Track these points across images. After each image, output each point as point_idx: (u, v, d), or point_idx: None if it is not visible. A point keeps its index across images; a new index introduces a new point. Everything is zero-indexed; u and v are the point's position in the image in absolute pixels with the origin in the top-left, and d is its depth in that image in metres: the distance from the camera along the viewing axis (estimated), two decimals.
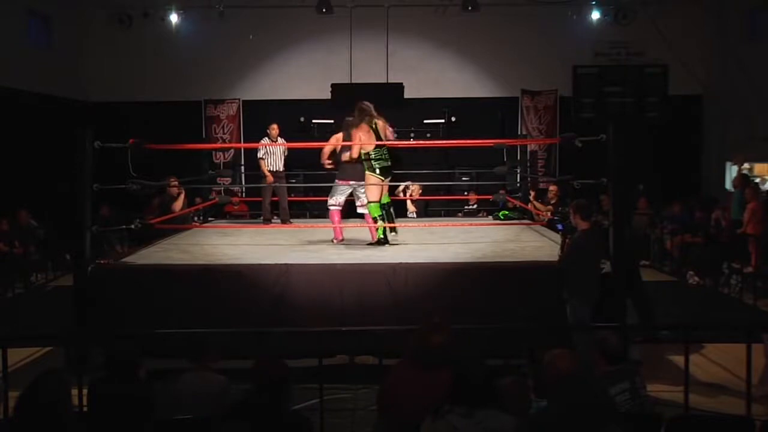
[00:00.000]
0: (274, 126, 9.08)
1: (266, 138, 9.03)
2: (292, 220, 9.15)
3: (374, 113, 6.78)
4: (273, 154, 8.96)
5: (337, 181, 7.21)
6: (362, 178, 6.91)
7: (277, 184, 8.99)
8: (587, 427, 2.63)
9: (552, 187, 10.27)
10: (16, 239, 9.74)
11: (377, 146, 6.76)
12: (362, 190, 6.99)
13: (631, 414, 3.36)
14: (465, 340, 3.61)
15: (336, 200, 7.18)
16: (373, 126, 6.77)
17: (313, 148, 8.91)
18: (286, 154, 9.12)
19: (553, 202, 9.90)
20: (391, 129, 6.99)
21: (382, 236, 6.87)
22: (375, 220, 6.86)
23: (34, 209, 10.40)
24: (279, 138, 9.05)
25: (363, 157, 6.82)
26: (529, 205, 9.73)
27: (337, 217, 7.25)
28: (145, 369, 3.59)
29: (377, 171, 6.77)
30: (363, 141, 6.74)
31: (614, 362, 3.61)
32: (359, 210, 7.20)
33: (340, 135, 7.64)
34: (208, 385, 3.78)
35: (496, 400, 2.91)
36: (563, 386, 2.81)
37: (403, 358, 3.58)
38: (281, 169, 9.07)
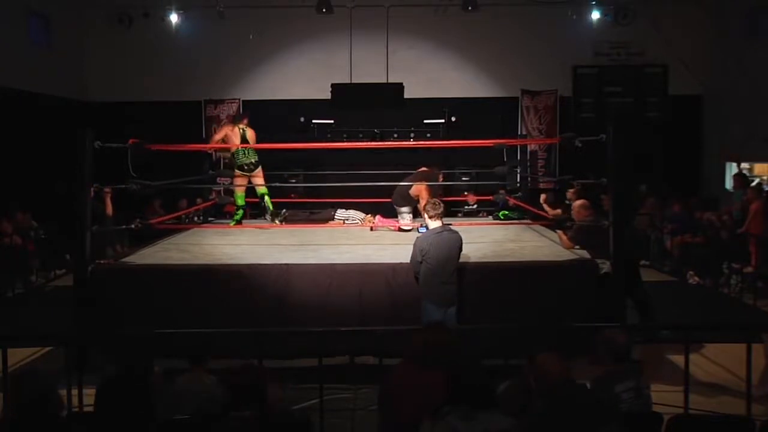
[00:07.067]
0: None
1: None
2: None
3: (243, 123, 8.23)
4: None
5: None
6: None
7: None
8: (586, 427, 2.63)
9: (571, 190, 9.99)
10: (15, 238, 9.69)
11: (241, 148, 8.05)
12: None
13: (631, 413, 3.36)
14: (465, 340, 3.61)
15: None
16: (241, 131, 8.11)
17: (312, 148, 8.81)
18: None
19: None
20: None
21: (238, 219, 8.42)
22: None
23: (35, 209, 10.38)
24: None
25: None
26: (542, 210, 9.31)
27: None
28: (156, 370, 3.59)
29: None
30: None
31: (620, 361, 3.62)
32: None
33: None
34: (203, 386, 3.78)
35: (496, 402, 2.91)
36: (553, 389, 2.82)
37: (403, 359, 3.59)
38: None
